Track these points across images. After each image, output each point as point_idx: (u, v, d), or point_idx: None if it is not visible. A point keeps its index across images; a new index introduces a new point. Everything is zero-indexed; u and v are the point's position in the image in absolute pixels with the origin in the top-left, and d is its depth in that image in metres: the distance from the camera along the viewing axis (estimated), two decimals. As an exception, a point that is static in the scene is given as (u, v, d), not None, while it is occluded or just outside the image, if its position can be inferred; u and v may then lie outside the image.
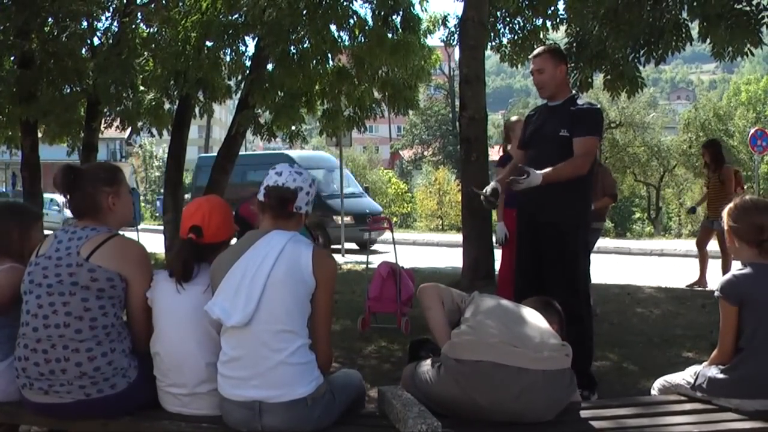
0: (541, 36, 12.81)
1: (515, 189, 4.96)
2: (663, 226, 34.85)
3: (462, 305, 3.73)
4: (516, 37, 12.99)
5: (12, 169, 42.90)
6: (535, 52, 5.44)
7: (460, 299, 3.79)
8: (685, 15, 10.56)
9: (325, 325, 3.38)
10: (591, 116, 5.13)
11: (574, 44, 11.66)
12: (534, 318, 3.59)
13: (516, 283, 5.45)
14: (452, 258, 16.19)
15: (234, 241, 3.57)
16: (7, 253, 3.87)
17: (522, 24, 12.98)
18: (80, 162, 14.59)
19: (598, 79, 13.52)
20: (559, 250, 5.07)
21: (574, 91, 5.46)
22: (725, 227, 3.82)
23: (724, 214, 3.84)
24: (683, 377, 3.84)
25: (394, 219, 30.34)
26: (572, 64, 11.64)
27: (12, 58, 15.68)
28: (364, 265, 10.80)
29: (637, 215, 39.19)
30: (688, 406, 3.69)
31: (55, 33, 15.35)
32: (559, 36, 13.47)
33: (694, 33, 10.50)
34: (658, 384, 4.04)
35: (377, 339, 7.47)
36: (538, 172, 4.88)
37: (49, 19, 15.15)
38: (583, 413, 3.58)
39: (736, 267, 3.73)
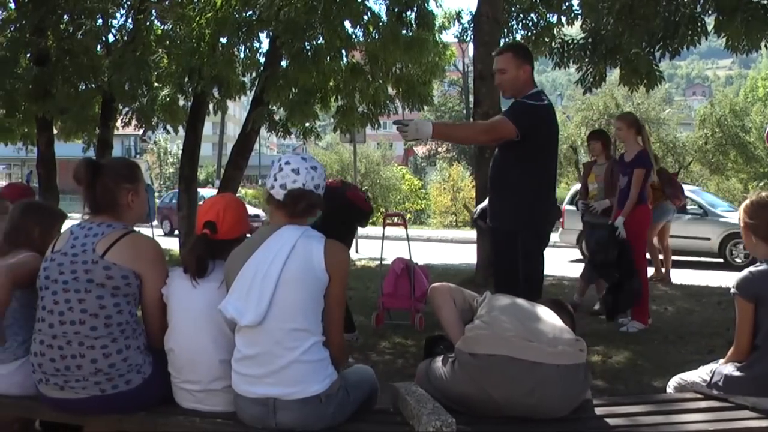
0: (555, 32, 12.76)
1: (405, 138, 4.82)
2: (679, 222, 34.69)
3: (474, 304, 3.73)
4: (530, 34, 12.93)
5: (28, 166, 43.18)
6: (498, 49, 5.23)
7: (472, 298, 3.79)
8: (700, 9, 10.51)
9: (338, 317, 3.37)
10: (518, 108, 4.91)
11: (589, 40, 11.62)
12: (548, 315, 3.58)
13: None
14: (466, 255, 16.18)
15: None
16: (30, 250, 3.88)
17: (536, 20, 12.92)
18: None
19: (613, 75, 13.49)
20: (499, 255, 5.08)
21: (537, 88, 5.04)
22: (741, 223, 3.80)
23: (741, 210, 3.81)
24: (699, 375, 3.82)
25: (408, 215, 30.32)
26: (587, 60, 11.62)
27: (28, 56, 15.77)
28: (378, 261, 10.79)
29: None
30: (703, 404, 3.67)
31: (71, 30, 15.45)
32: (573, 32, 13.42)
33: (710, 28, 10.44)
34: (673, 382, 4.02)
35: (391, 335, 7.48)
36: (427, 122, 4.75)
37: (65, 17, 15.26)
38: (598, 410, 3.56)
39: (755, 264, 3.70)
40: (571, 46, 12.04)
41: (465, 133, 5.44)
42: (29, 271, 3.61)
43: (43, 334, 3.41)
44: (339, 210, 6.51)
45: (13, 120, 17.36)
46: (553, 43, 12.52)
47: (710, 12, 10.39)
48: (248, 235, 3.58)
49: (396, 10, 12.46)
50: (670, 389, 4.03)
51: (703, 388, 3.75)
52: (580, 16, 12.46)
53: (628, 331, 7.49)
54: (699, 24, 10.45)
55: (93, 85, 16.19)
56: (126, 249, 3.44)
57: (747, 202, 3.80)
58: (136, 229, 3.66)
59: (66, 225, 3.84)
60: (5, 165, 55.86)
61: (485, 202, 5.33)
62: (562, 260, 14.90)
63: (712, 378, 3.70)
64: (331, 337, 3.31)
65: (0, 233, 4.03)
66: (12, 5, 16.32)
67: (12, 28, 15.64)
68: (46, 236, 3.93)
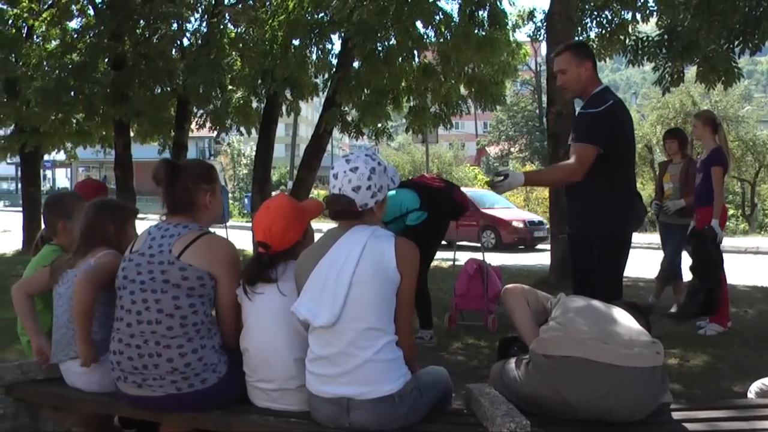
0: (630, 29, 12.55)
1: (496, 192, 4.81)
2: (758, 223, 33.81)
3: (548, 306, 3.69)
4: (603, 31, 12.75)
5: (105, 168, 44.17)
6: (556, 50, 5.13)
7: (546, 300, 3.75)
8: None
9: (407, 316, 3.36)
10: (586, 122, 4.82)
11: (665, 36, 11.42)
12: (624, 317, 3.52)
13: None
14: (539, 255, 16.05)
15: None
16: (107, 247, 3.95)
17: (610, 17, 12.73)
18: (171, 160, 15.00)
19: (690, 72, 13.21)
20: (575, 260, 5.04)
21: (603, 85, 4.97)
22: None
23: None
24: (782, 380, 3.71)
25: (481, 216, 30.18)
26: (663, 57, 11.42)
27: (106, 61, 16.16)
28: (450, 262, 10.75)
29: (731, 212, 38.08)
30: (787, 411, 3.56)
31: (147, 35, 15.83)
32: (648, 29, 13.20)
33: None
34: (755, 387, 3.91)
35: (464, 336, 7.45)
36: (518, 173, 4.75)
37: (141, 22, 15.61)
38: (676, 414, 3.49)
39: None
40: (646, 44, 11.85)
41: (555, 177, 5.43)
42: (109, 272, 3.69)
43: (122, 333, 3.48)
44: (448, 210, 6.81)
45: (91, 123, 17.81)
46: (627, 41, 12.33)
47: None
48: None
49: (468, 9, 12.42)
50: (751, 394, 3.92)
51: (787, 394, 3.65)
52: (655, 13, 12.24)
53: (705, 333, 7.33)
54: (782, 18, 10.17)
55: (168, 89, 16.54)
56: (201, 250, 3.48)
57: None
58: (211, 230, 3.70)
59: (143, 225, 3.89)
60: (84, 167, 57.24)
61: None
62: None
63: (796, 383, 3.59)
64: (402, 337, 3.30)
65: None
66: (91, 12, 16.77)
67: (91, 34, 16.07)
68: (121, 233, 4.02)
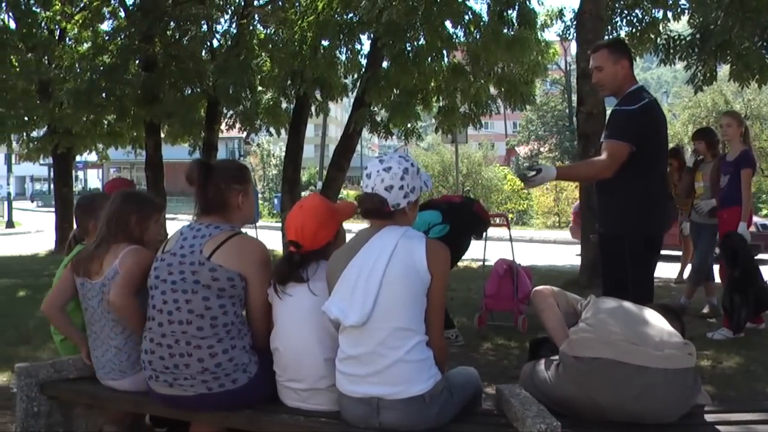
0: (661, 28, 12.46)
1: (527, 187, 4.77)
2: (791, 222, 33.45)
3: (578, 308, 3.67)
4: (634, 30, 12.66)
5: (137, 169, 44.46)
6: (593, 47, 5.09)
7: (576, 302, 3.74)
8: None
9: (438, 319, 3.35)
10: (620, 119, 4.74)
11: (697, 35, 11.32)
12: (655, 318, 3.50)
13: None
14: (569, 256, 15.97)
15: None
16: (128, 239, 3.96)
17: (640, 16, 12.64)
18: (202, 161, 15.14)
19: (723, 70, 13.09)
20: (606, 259, 4.96)
21: (638, 84, 4.91)
22: None
23: None
24: (817, 381, 3.67)
25: (511, 216, 30.07)
26: (695, 56, 11.33)
27: (137, 62, 16.31)
28: (480, 262, 10.73)
29: (765, 212, 37.75)
30: (823, 413, 3.51)
31: (177, 36, 15.93)
32: (680, 27, 13.09)
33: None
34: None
35: (494, 336, 7.42)
36: (551, 167, 4.72)
37: (172, 24, 15.72)
38: (708, 417, 3.45)
39: None
40: (678, 42, 11.75)
41: (587, 173, 5.39)
42: (139, 273, 3.74)
43: (153, 332, 3.51)
44: (468, 223, 6.93)
45: (122, 124, 17.97)
46: (658, 40, 12.24)
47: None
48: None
49: (497, 9, 12.38)
50: (786, 396, 3.89)
51: (822, 396, 3.60)
52: (687, 11, 12.13)
53: (713, 337, 7.16)
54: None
55: (198, 90, 16.66)
56: (232, 251, 3.50)
57: None
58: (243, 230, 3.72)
59: (174, 226, 3.91)
60: (115, 168, 57.69)
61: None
62: None
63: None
64: (432, 338, 3.29)
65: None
66: (122, 14, 16.94)
67: (122, 36, 16.23)
68: (143, 226, 4.03)
